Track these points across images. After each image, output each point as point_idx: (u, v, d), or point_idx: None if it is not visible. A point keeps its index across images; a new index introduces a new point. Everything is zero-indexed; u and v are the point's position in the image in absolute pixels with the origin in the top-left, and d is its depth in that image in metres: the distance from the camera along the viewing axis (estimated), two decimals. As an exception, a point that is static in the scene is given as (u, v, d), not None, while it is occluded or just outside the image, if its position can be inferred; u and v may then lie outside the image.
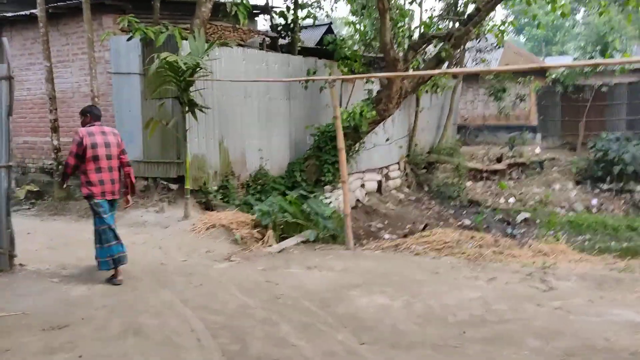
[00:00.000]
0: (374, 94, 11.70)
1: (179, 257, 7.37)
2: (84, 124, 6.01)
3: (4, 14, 11.69)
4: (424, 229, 11.44)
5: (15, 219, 7.76)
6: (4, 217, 6.30)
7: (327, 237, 8.56)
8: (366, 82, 12.17)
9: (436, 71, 11.03)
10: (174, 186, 10.11)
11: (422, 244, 7.46)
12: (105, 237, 5.90)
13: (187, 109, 9.00)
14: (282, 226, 8.41)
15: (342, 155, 7.81)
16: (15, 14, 11.44)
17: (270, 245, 7.97)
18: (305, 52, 13.31)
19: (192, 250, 7.70)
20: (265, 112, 11.48)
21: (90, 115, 6.00)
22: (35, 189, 11.36)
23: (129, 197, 6.28)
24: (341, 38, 13.52)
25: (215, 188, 10.24)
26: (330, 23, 17.17)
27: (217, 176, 10.39)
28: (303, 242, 8.29)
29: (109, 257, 5.92)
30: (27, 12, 10.97)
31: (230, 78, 10.15)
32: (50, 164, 11.38)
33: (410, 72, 11.75)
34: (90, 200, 5.85)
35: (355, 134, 11.28)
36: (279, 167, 11.87)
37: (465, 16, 11.71)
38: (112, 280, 5.96)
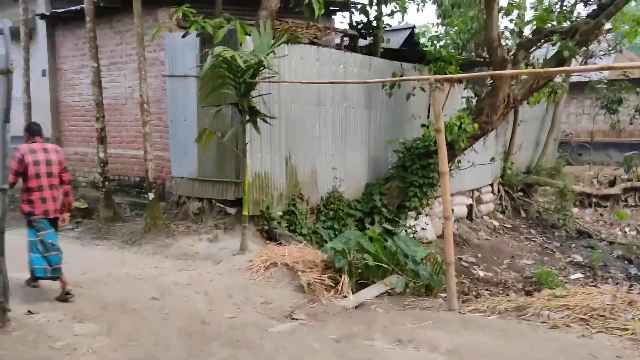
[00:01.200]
0: (473, 103, 9.63)
1: (227, 310, 5.66)
2: (27, 141, 5.74)
3: (56, 10, 10.65)
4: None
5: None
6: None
7: (419, 286, 6.61)
8: (465, 89, 10.10)
9: (567, 69, 8.81)
10: (231, 210, 8.49)
11: (557, 308, 5.34)
12: (43, 247, 5.66)
13: (247, 118, 7.37)
14: (359, 270, 6.54)
15: (445, 181, 5.85)
16: (65, 9, 10.34)
17: (345, 297, 6.13)
18: (388, 55, 11.45)
19: (245, 299, 5.97)
20: (340, 123, 9.70)
21: (28, 132, 5.80)
22: (83, 206, 10.12)
23: (64, 215, 5.88)
24: (435, 35, 11.51)
25: (280, 213, 8.54)
26: (414, 27, 15.19)
27: (282, 199, 8.69)
28: (387, 292, 6.39)
29: (51, 265, 5.70)
30: (78, 8, 9.78)
31: (301, 79, 8.46)
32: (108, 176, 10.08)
33: (528, 70, 9.55)
34: (30, 217, 5.61)
35: (450, 151, 9.23)
36: (355, 189, 10.03)
37: (596, 6, 9.41)
38: (62, 297, 5.69)
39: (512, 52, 9.50)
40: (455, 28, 12.34)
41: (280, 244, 8.05)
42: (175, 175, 9.08)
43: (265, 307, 5.83)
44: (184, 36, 8.26)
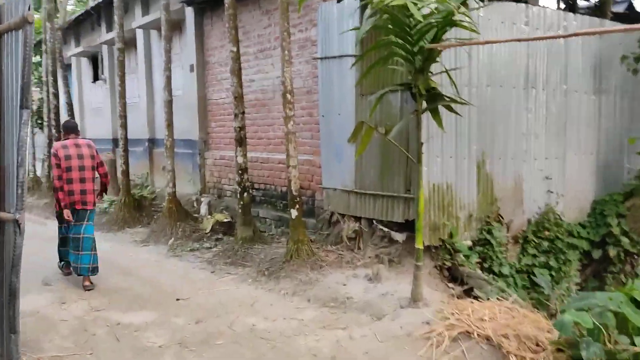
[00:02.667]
0: None
1: None
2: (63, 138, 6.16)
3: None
4: None
5: (182, 264, 6.94)
6: (6, 299, 3.11)
7: None
8: None
9: None
10: (398, 236, 6.11)
11: None
12: (72, 245, 5.96)
13: (424, 105, 4.95)
14: (625, 361, 3.69)
15: None
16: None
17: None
18: (618, 20, 8.20)
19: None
20: (558, 114, 6.77)
21: (64, 130, 6.17)
22: (225, 219, 8.55)
23: (98, 197, 6.24)
24: None
25: (468, 243, 5.96)
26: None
27: (471, 222, 6.09)
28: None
29: (79, 263, 5.93)
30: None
31: (500, 49, 5.80)
32: (248, 186, 8.39)
33: None
34: (67, 208, 5.87)
35: None
36: (578, 208, 7.00)
37: None
38: (86, 286, 5.93)
39: None
40: None
41: (470, 290, 5.51)
42: (327, 186, 7.00)
43: None
44: (339, 0, 6.13)
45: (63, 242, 6.30)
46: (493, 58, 6.10)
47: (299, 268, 6.18)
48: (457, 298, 5.43)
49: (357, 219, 6.60)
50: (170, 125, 8.82)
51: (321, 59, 6.98)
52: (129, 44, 12.76)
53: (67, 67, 17.13)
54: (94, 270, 6.00)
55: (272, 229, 8.21)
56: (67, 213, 5.86)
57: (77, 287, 6.13)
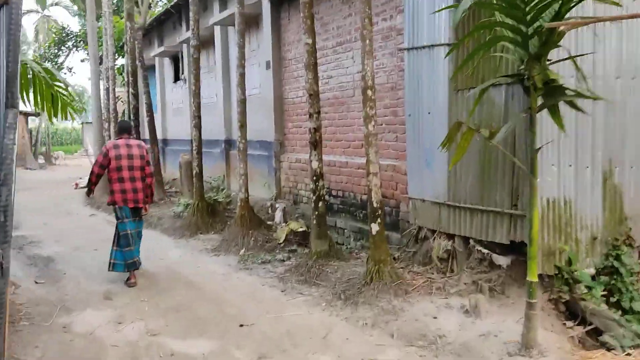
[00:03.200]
0: None
1: None
2: (117, 138, 6.48)
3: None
4: None
5: (251, 279, 6.47)
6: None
7: None
8: None
9: None
10: (502, 260, 5.07)
11: None
12: (124, 242, 6.15)
13: (540, 102, 3.92)
14: None
15: None
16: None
17: None
18: None
19: None
20: None
21: (118, 129, 6.50)
22: (300, 228, 7.83)
23: (147, 206, 6.40)
24: None
25: (592, 272, 4.82)
26: None
27: (595, 246, 4.93)
28: None
29: (124, 260, 6.16)
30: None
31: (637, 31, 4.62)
32: (323, 194, 7.56)
33: None
34: (114, 206, 6.18)
35: None
36: None
37: None
38: (127, 282, 6.17)
39: None
40: None
41: (595, 332, 4.42)
42: (413, 196, 6.07)
43: None
44: (430, -21, 5.20)
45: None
46: (626, 43, 4.90)
47: (380, 293, 5.30)
48: (579, 342, 4.35)
49: (450, 236, 5.62)
50: (243, 126, 8.24)
51: (408, 49, 6.06)
52: (207, 42, 12.43)
53: (150, 68, 17.30)
54: (130, 266, 6.16)
55: (351, 241, 7.38)
56: (117, 210, 6.19)
57: (138, 301, 5.67)
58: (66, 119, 6.67)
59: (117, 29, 17.47)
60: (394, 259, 6.02)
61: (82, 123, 40.05)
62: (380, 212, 5.57)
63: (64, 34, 28.36)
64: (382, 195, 5.72)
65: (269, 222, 8.59)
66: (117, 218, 6.24)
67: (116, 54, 16.30)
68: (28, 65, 5.50)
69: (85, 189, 6.73)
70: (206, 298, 5.79)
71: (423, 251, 5.93)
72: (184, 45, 13.66)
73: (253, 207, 8.58)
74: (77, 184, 16.22)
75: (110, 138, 13.60)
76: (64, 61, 29.91)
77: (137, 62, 12.36)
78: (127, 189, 6.09)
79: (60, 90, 6.12)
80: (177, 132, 15.46)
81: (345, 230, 7.61)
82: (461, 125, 4.10)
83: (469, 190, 5.33)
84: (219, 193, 10.76)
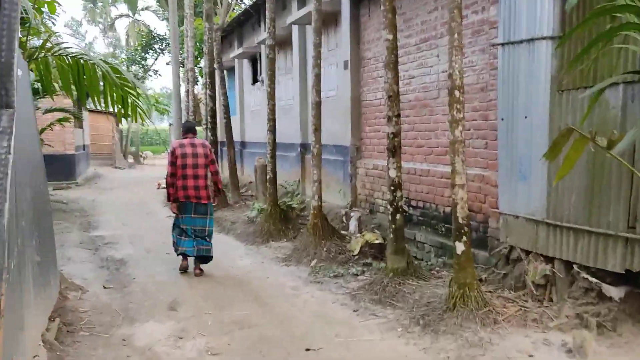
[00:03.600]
0: None
1: None
2: (183, 137, 6.76)
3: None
4: None
5: (321, 294, 5.99)
6: None
7: None
8: None
9: None
10: (614, 291, 4.27)
11: None
12: (178, 231, 6.65)
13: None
14: None
15: None
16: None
17: None
18: None
19: None
20: None
21: (183, 129, 6.87)
22: (376, 240, 7.27)
23: (215, 198, 6.93)
24: None
25: None
26: None
27: None
28: None
29: (178, 247, 6.68)
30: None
31: None
32: (401, 205, 6.89)
33: None
34: (176, 201, 6.53)
35: None
36: None
37: None
38: (180, 268, 6.74)
39: None
40: None
41: None
42: (505, 211, 5.35)
43: None
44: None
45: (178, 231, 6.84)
46: None
47: (464, 321, 4.65)
48: None
49: (549, 259, 4.86)
50: (317, 129, 7.81)
51: (503, 44, 5.35)
52: (285, 42, 12.16)
53: (230, 70, 17.36)
54: (201, 257, 6.66)
55: (431, 257, 6.73)
56: (173, 206, 6.61)
57: (202, 314, 5.37)
58: (136, 120, 6.54)
59: (198, 31, 17.69)
60: (481, 280, 5.33)
61: (170, 124, 41.62)
62: (466, 229, 4.91)
63: (150, 37, 29.44)
64: (468, 209, 5.06)
65: (342, 232, 8.11)
66: (177, 211, 6.64)
67: (198, 56, 16.48)
68: (95, 64, 5.34)
69: (165, 189, 7.14)
70: (273, 315, 5.39)
71: (515, 274, 5.20)
72: (262, 46, 13.48)
73: (327, 215, 8.13)
74: (159, 184, 16.56)
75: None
76: (152, 64, 31.10)
77: (214, 63, 12.31)
78: (189, 186, 6.45)
79: (129, 90, 5.95)
80: (255, 134, 15.36)
81: (426, 245, 6.97)
82: (572, 133, 3.39)
83: (574, 207, 4.56)
84: (293, 198, 10.43)
